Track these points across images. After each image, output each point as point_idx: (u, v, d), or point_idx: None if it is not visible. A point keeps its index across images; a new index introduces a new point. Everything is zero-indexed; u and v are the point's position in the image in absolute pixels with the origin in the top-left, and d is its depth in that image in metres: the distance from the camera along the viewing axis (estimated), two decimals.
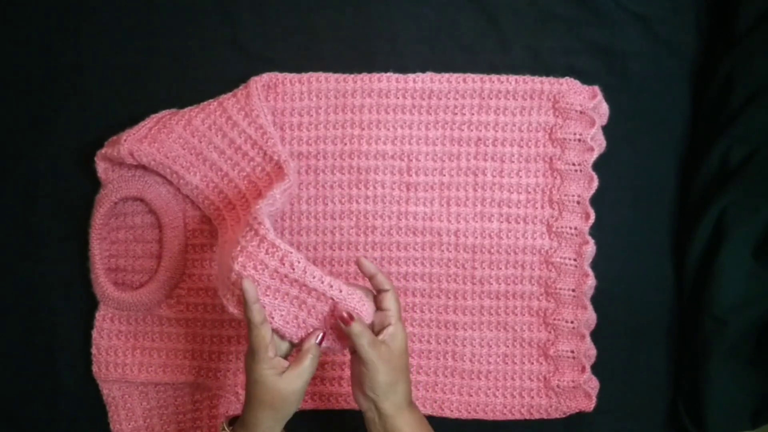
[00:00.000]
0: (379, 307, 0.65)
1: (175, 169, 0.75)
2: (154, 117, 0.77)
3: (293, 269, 0.62)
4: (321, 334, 0.64)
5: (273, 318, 0.63)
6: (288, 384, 0.61)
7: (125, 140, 0.74)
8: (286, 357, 0.65)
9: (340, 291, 0.62)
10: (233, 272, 0.62)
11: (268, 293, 0.62)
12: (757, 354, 0.77)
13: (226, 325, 0.80)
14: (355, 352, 0.63)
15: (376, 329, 0.64)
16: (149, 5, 0.80)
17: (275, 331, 0.63)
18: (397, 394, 0.64)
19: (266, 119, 0.76)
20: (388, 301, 0.65)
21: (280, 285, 0.62)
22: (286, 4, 0.80)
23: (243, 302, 0.61)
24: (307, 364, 0.62)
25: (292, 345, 0.65)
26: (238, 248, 0.63)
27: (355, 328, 0.62)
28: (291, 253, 0.62)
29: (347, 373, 0.80)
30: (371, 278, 0.65)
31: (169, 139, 0.75)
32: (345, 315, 0.62)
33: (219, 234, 0.76)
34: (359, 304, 0.63)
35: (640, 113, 0.81)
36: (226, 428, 0.65)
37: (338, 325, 0.63)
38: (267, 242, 0.62)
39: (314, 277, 0.62)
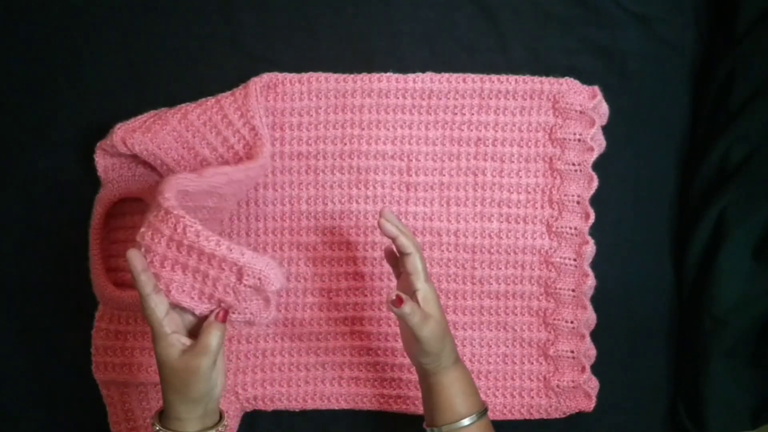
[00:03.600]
0: (403, 270, 0.64)
1: (166, 161, 0.75)
2: (152, 112, 0.77)
3: (185, 234, 0.58)
4: (220, 310, 0.60)
5: (171, 291, 0.59)
6: (187, 364, 0.57)
7: (119, 128, 0.74)
8: (192, 334, 0.60)
9: (243, 254, 0.58)
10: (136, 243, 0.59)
11: (165, 265, 0.59)
12: (757, 354, 0.77)
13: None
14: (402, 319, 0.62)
15: (404, 292, 0.63)
16: (149, 5, 0.80)
17: (177, 305, 0.59)
18: (442, 358, 0.64)
19: (261, 121, 0.76)
20: (411, 264, 0.63)
21: (177, 255, 0.58)
22: (286, 4, 0.80)
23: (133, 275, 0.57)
24: (208, 342, 0.57)
25: (198, 319, 0.61)
26: (146, 222, 0.60)
27: (406, 308, 0.60)
28: (183, 218, 0.58)
29: (347, 373, 0.80)
30: (394, 240, 0.63)
31: (163, 130, 0.75)
32: (394, 298, 0.60)
33: None
34: (267, 268, 0.59)
35: (640, 113, 0.81)
36: (156, 423, 0.60)
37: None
38: (163, 210, 0.59)
39: (209, 241, 0.58)
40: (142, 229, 0.59)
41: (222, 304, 0.60)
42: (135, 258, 0.57)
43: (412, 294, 0.63)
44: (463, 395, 0.65)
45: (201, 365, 0.57)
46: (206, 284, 0.59)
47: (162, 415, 0.61)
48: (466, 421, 0.64)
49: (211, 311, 0.60)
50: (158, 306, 0.58)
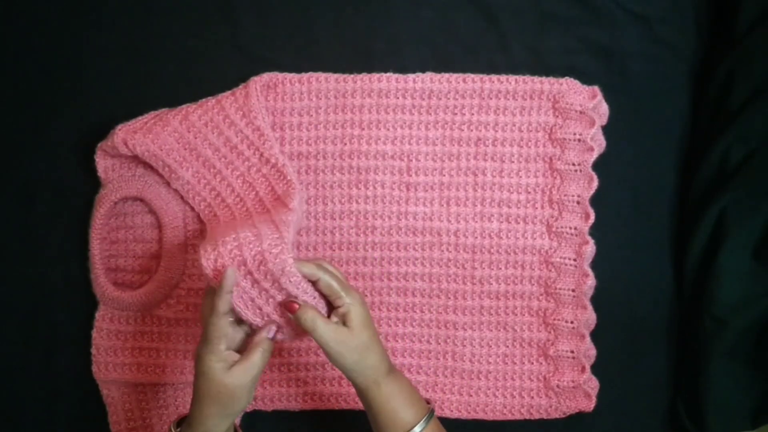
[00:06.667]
0: (322, 293, 0.63)
1: (168, 162, 0.75)
2: (153, 113, 0.77)
3: (283, 272, 0.60)
4: (274, 328, 0.62)
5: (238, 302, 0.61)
6: (235, 379, 0.59)
7: (120, 129, 0.74)
8: (238, 351, 0.63)
9: (314, 298, 0.62)
10: (233, 237, 0.61)
11: (241, 271, 0.61)
12: (757, 354, 0.77)
13: None
14: None
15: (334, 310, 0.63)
16: (149, 6, 0.80)
17: (236, 314, 0.62)
18: (368, 369, 0.63)
19: (264, 121, 0.76)
20: (324, 287, 0.62)
21: (256, 272, 0.61)
22: (286, 5, 0.80)
23: (218, 288, 0.59)
24: (256, 359, 0.60)
25: (246, 336, 0.63)
26: (257, 231, 0.63)
27: (303, 314, 0.61)
28: (290, 257, 0.60)
29: None
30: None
31: (164, 131, 0.75)
32: (290, 303, 0.61)
33: (208, 229, 0.75)
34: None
35: (640, 113, 0.81)
36: (173, 429, 0.62)
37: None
38: (278, 234, 0.62)
39: (290, 281, 0.61)
40: (251, 237, 0.61)
41: (271, 319, 0.62)
42: (229, 277, 0.59)
43: (335, 311, 0.63)
44: (404, 406, 0.63)
45: (248, 380, 0.59)
46: (268, 304, 0.62)
47: (183, 425, 0.62)
48: (416, 429, 0.63)
49: (260, 329, 0.62)
50: (225, 325, 0.60)
